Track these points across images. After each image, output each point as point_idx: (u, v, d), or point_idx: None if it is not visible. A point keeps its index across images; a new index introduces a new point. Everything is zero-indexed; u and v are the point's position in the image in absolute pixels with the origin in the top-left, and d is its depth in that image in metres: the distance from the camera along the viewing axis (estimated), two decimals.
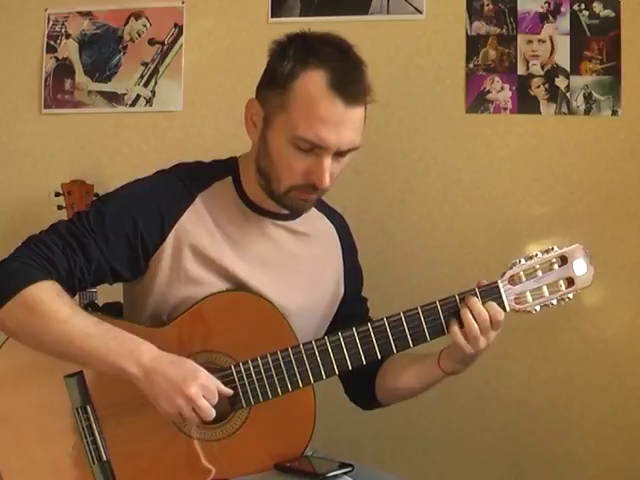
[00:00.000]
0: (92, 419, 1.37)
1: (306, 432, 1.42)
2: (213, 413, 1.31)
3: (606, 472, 2.25)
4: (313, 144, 1.36)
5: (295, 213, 1.49)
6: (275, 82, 1.40)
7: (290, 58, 1.39)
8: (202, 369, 1.32)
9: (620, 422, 2.24)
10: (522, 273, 1.40)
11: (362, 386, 1.59)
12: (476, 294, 1.39)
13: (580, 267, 1.40)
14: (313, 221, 1.59)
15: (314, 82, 1.36)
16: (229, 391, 1.34)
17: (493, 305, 1.38)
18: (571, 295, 1.40)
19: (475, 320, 1.37)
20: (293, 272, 1.52)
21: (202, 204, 1.46)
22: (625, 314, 2.26)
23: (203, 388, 1.30)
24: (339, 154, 1.40)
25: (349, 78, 1.37)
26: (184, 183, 1.46)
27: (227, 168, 1.52)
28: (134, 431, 1.38)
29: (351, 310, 1.60)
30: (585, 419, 2.26)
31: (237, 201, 1.49)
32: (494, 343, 1.42)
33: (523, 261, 1.41)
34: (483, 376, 2.27)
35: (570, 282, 1.40)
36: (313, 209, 1.60)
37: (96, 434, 1.37)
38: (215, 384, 1.32)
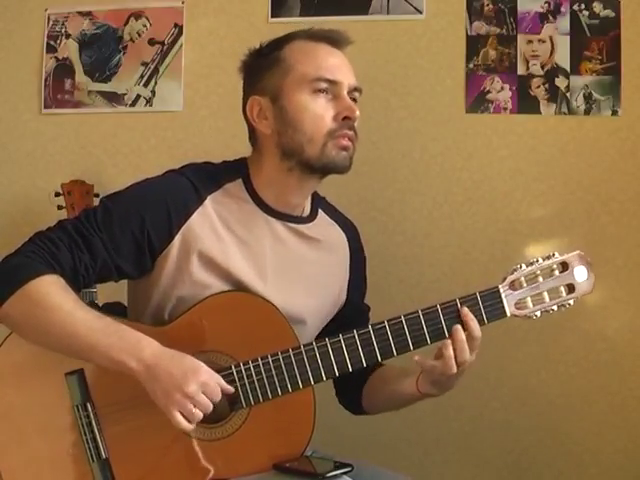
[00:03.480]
0: (92, 417, 1.37)
1: (306, 432, 1.42)
2: (210, 407, 1.30)
3: (606, 472, 2.25)
4: (328, 80, 1.44)
5: (341, 169, 1.47)
6: (263, 69, 1.48)
7: (265, 50, 1.51)
8: (203, 365, 1.32)
9: (620, 422, 2.24)
10: (523, 279, 1.40)
11: (351, 393, 1.60)
12: (477, 299, 1.39)
13: (581, 274, 1.40)
14: (325, 228, 1.59)
15: (301, 43, 1.49)
16: (230, 388, 1.34)
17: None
18: (572, 301, 1.41)
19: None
20: (299, 277, 1.51)
21: (211, 205, 1.45)
22: (625, 314, 2.26)
23: (203, 385, 1.30)
24: (352, 97, 1.47)
25: (323, 31, 1.51)
26: (193, 184, 1.45)
27: (237, 169, 1.51)
28: (134, 430, 1.38)
29: (351, 319, 1.57)
30: (585, 419, 2.26)
31: (248, 202, 1.49)
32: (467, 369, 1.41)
33: (524, 266, 1.41)
34: (483, 376, 2.27)
35: (571, 288, 1.41)
36: (325, 216, 1.60)
37: (96, 432, 1.37)
38: (216, 380, 1.32)
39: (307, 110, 1.44)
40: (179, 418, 1.29)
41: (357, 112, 1.45)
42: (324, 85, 1.44)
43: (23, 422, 1.38)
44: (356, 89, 1.49)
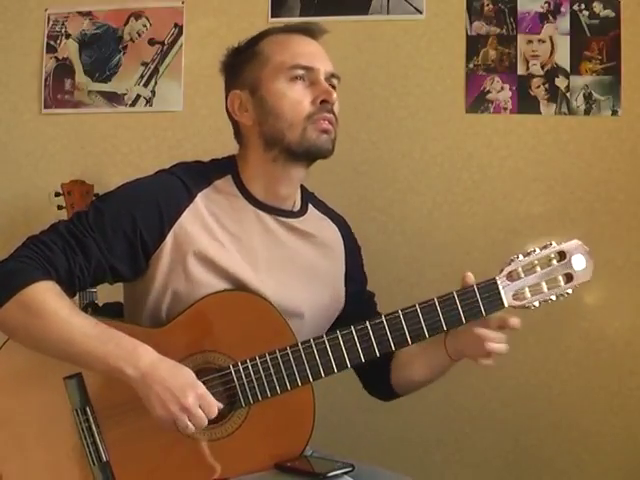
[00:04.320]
0: (91, 420, 1.37)
1: (305, 431, 1.41)
2: (205, 423, 1.31)
3: (606, 472, 2.25)
4: (304, 67, 1.46)
5: (323, 152, 1.47)
6: (242, 64, 1.50)
7: (242, 47, 1.53)
8: (199, 381, 1.32)
9: (620, 422, 2.24)
10: (521, 269, 1.39)
11: (379, 379, 1.58)
12: (474, 291, 1.39)
13: (579, 262, 1.39)
14: (317, 222, 1.59)
15: (277, 36, 1.51)
16: (220, 404, 1.34)
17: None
18: (570, 290, 1.39)
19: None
20: (293, 270, 1.51)
21: (202, 202, 1.46)
22: (625, 314, 2.26)
23: (200, 398, 1.30)
24: (329, 84, 1.48)
25: (298, 24, 1.57)
26: (184, 182, 1.46)
27: (226, 166, 1.52)
28: (133, 432, 1.37)
29: (357, 312, 1.55)
30: (585, 419, 2.26)
31: (238, 197, 1.49)
32: None
33: (521, 257, 1.40)
34: (483, 376, 2.27)
35: (569, 277, 1.39)
36: (315, 211, 1.60)
37: (96, 435, 1.37)
38: (210, 397, 1.32)
39: (285, 96, 1.45)
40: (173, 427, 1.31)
41: (335, 95, 1.46)
42: (301, 72, 1.46)
43: (23, 428, 1.38)
44: (333, 75, 1.50)
